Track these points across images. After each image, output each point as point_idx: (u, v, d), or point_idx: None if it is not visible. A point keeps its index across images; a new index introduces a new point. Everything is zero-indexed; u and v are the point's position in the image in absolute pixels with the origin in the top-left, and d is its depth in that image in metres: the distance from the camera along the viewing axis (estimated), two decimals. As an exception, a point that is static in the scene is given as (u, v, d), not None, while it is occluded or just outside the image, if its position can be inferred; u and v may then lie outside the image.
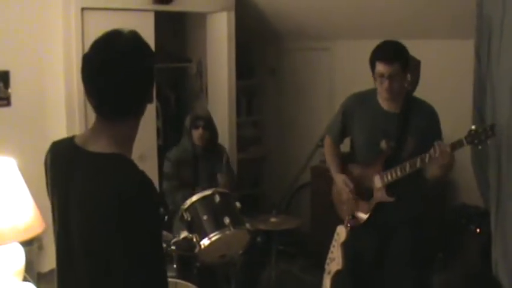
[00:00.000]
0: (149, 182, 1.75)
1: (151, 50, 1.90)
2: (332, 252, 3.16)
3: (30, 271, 3.76)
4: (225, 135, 5.65)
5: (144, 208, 1.71)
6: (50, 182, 1.96)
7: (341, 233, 3.09)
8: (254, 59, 6.83)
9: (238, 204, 4.06)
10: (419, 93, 4.97)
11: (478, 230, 4.19)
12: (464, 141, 3.21)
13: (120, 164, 1.78)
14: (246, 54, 6.35)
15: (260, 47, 6.75)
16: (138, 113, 1.87)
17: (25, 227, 2.65)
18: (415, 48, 4.96)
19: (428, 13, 4.60)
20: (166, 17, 5.60)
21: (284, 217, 4.74)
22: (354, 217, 3.63)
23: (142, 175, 1.75)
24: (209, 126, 4.57)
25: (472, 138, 3.19)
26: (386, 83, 3.41)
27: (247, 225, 3.96)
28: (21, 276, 2.88)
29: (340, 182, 3.70)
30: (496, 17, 3.51)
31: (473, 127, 3.22)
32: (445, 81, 4.85)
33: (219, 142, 4.86)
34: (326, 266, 3.21)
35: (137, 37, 1.86)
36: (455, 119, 3.72)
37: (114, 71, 1.76)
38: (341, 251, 3.04)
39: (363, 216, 3.61)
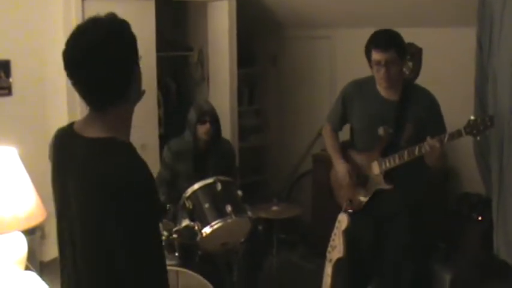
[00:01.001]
0: (141, 165, 1.74)
1: (128, 34, 1.85)
2: (333, 240, 3.16)
3: (33, 260, 3.78)
4: (227, 124, 5.65)
5: (136, 191, 1.70)
6: (52, 170, 1.97)
7: (342, 220, 3.09)
8: (255, 47, 6.82)
9: (240, 192, 4.06)
10: (420, 81, 4.97)
11: (480, 218, 4.20)
12: (463, 132, 3.22)
13: (113, 147, 1.78)
14: (247, 42, 6.33)
15: (261, 36, 6.74)
16: (128, 96, 1.85)
17: (27, 216, 2.66)
18: (416, 36, 4.97)
19: (429, 0, 4.59)
20: (167, 6, 5.59)
21: (285, 205, 4.76)
22: (351, 202, 3.64)
23: (134, 157, 1.76)
24: (215, 120, 4.51)
25: (471, 128, 3.20)
26: (383, 70, 3.43)
27: (249, 213, 3.96)
28: (23, 265, 2.89)
29: (343, 170, 3.71)
30: (497, 5, 3.50)
31: (472, 117, 3.22)
32: (447, 69, 4.84)
33: (222, 136, 4.81)
34: (327, 254, 3.21)
35: (113, 21, 1.82)
36: (457, 107, 3.71)
37: (91, 61, 1.75)
38: (342, 239, 3.05)
39: (362, 199, 3.64)
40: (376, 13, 5.03)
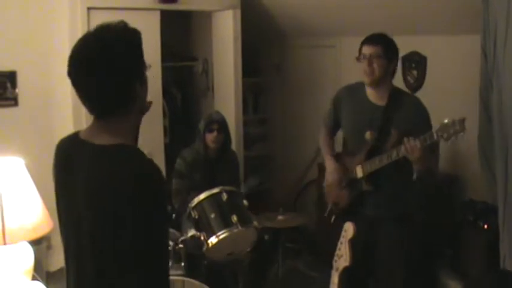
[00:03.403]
0: (155, 171, 1.75)
1: (135, 42, 1.85)
2: (340, 249, 3.16)
3: (39, 270, 3.78)
4: (232, 133, 5.64)
5: (151, 196, 1.72)
6: (57, 180, 1.97)
7: (348, 229, 3.09)
8: (260, 57, 6.83)
9: (245, 202, 4.07)
10: (425, 89, 4.98)
11: (485, 226, 4.19)
12: (435, 135, 3.25)
13: (126, 152, 1.79)
14: (252, 52, 6.35)
15: (266, 45, 6.76)
16: (132, 108, 1.85)
17: (33, 226, 2.67)
18: (421, 44, 4.98)
19: (433, 8, 4.59)
20: (172, 16, 5.61)
21: (291, 214, 4.76)
22: (336, 204, 3.79)
23: (147, 163, 1.77)
24: (224, 129, 4.54)
25: (442, 132, 3.22)
26: (366, 63, 3.54)
27: (255, 223, 3.96)
28: (30, 275, 2.90)
29: (331, 167, 3.82)
30: (502, 13, 3.50)
31: (445, 120, 3.22)
32: (452, 77, 4.84)
33: (232, 148, 4.83)
34: (334, 263, 3.21)
35: (121, 31, 1.83)
36: (461, 115, 3.71)
37: (98, 72, 1.76)
38: (349, 248, 3.04)
39: (346, 201, 3.74)
40: (381, 22, 5.02)
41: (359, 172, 3.65)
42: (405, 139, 3.31)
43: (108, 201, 1.72)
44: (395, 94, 3.65)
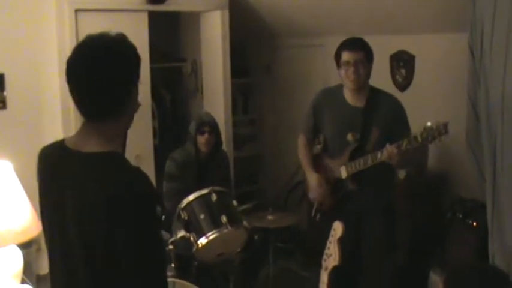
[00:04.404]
0: (145, 178, 1.78)
1: (131, 48, 1.89)
2: (329, 248, 3.16)
3: (29, 273, 3.77)
4: (222, 134, 5.64)
5: (144, 204, 1.74)
6: (41, 189, 1.97)
7: (337, 228, 3.09)
8: (248, 57, 6.83)
9: (235, 202, 4.07)
10: (414, 88, 5.00)
11: (474, 224, 4.20)
12: (419, 137, 3.32)
13: (114, 161, 1.81)
14: (241, 52, 6.35)
15: (254, 45, 6.75)
16: (124, 111, 1.87)
17: (22, 230, 2.66)
18: (409, 43, 5.00)
19: (421, 7, 4.61)
20: (160, 17, 5.60)
21: (281, 214, 4.76)
22: (321, 204, 3.91)
23: (137, 171, 1.78)
24: (215, 131, 4.55)
25: (427, 134, 3.30)
26: (351, 70, 3.62)
27: (245, 223, 3.97)
28: (19, 279, 2.89)
29: (314, 182, 3.90)
30: (488, 11, 3.52)
31: (428, 123, 3.31)
32: (440, 76, 4.85)
33: (223, 148, 4.83)
34: (323, 262, 3.21)
35: (117, 38, 1.86)
36: (450, 114, 3.73)
37: (94, 73, 1.77)
38: (337, 247, 3.05)
39: (331, 200, 3.84)
40: (369, 21, 5.05)
41: (343, 173, 3.74)
42: (387, 145, 3.41)
43: (100, 210, 1.72)
44: (373, 94, 3.76)
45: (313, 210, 3.95)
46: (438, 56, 4.87)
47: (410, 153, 3.40)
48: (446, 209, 4.57)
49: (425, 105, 4.37)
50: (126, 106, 1.86)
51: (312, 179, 3.92)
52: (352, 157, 3.68)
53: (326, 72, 5.91)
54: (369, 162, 3.57)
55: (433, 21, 4.73)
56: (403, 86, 5.08)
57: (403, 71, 5.12)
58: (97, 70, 1.77)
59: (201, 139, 4.45)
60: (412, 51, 5.04)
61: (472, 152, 3.89)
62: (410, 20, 4.83)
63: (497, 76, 3.45)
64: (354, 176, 3.70)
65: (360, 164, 3.63)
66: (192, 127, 4.51)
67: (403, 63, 5.11)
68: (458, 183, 4.78)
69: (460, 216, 4.32)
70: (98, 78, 1.77)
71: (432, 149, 3.72)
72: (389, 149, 3.39)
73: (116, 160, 1.81)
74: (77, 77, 1.81)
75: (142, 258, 1.73)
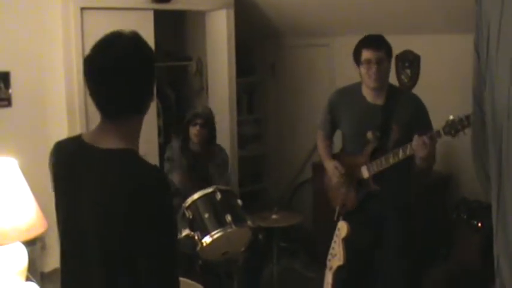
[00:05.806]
0: (165, 176, 1.82)
1: (151, 49, 1.93)
2: (333, 248, 3.15)
3: (33, 271, 3.77)
4: (226, 133, 5.65)
5: (163, 201, 1.76)
6: (57, 183, 1.97)
7: (342, 228, 3.08)
8: (254, 56, 6.83)
9: (239, 201, 4.07)
10: (419, 88, 4.98)
11: (479, 225, 4.20)
12: (442, 132, 3.28)
13: (134, 158, 1.82)
14: (246, 51, 6.34)
15: (260, 45, 6.75)
16: (143, 110, 1.90)
17: (27, 227, 2.66)
18: (414, 43, 4.99)
19: (427, 7, 4.60)
20: (166, 16, 5.61)
21: (285, 214, 4.76)
22: (344, 206, 3.79)
23: (157, 169, 1.83)
24: (207, 124, 4.57)
25: (450, 128, 3.26)
26: (374, 68, 3.55)
27: (249, 223, 3.96)
28: (24, 276, 2.89)
29: (331, 166, 3.85)
30: (495, 12, 3.50)
31: (450, 117, 3.27)
32: (445, 76, 4.85)
33: (218, 143, 4.83)
34: (327, 262, 3.20)
35: (137, 37, 1.88)
36: (455, 113, 3.72)
37: (117, 72, 1.79)
38: (342, 247, 3.04)
39: (354, 201, 3.75)
40: (375, 21, 5.04)
41: (364, 173, 3.68)
42: (416, 136, 3.33)
43: (118, 205, 1.74)
44: (392, 92, 3.69)
45: (336, 214, 3.84)
46: (443, 56, 4.86)
47: (435, 147, 3.36)
48: (451, 209, 4.57)
49: (431, 106, 4.33)
50: (145, 105, 1.89)
51: (328, 165, 3.88)
52: (374, 156, 3.63)
53: (331, 71, 5.92)
54: (391, 161, 3.51)
55: (439, 22, 4.72)
56: (408, 86, 5.08)
57: (408, 71, 5.12)
58: (123, 71, 1.79)
59: (193, 130, 4.53)
60: (418, 51, 5.03)
61: (477, 152, 3.86)
62: (415, 20, 4.83)
63: (503, 78, 3.44)
64: (375, 176, 3.65)
65: (381, 163, 3.57)
66: (187, 117, 4.59)
67: (408, 63, 5.11)
68: (463, 183, 4.78)
69: (465, 217, 4.32)
70: (124, 80, 1.79)
71: (437, 149, 3.70)
72: (420, 140, 3.30)
73: (134, 157, 1.83)
74: (101, 77, 1.81)
75: (160, 254, 1.74)
